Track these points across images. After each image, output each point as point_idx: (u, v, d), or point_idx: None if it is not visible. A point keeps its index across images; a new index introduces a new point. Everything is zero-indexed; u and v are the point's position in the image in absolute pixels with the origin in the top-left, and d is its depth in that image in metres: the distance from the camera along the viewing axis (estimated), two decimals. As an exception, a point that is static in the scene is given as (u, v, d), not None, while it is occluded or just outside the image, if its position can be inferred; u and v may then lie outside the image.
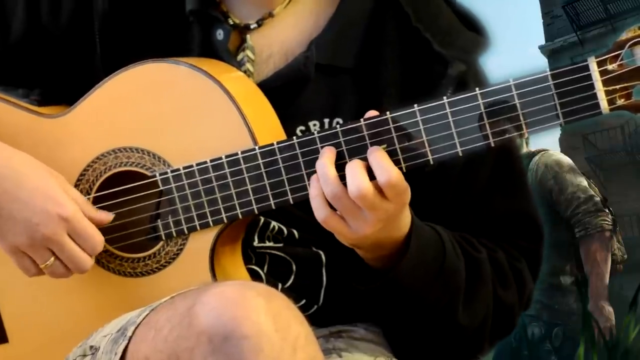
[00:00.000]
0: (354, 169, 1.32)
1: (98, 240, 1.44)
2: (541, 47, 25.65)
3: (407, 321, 1.47)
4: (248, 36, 1.53)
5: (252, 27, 1.53)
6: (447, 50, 1.49)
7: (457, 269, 1.44)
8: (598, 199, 4.53)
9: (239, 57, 1.52)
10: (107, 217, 1.46)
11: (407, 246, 1.39)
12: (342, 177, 1.32)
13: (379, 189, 1.31)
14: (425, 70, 1.49)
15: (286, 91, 1.49)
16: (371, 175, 1.32)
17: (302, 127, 1.49)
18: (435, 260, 1.42)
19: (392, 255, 1.41)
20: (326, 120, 1.50)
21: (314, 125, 1.49)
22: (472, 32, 1.54)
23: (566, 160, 4.69)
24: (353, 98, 1.50)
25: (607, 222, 4.51)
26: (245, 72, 1.51)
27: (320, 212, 1.34)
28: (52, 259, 1.42)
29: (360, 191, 1.30)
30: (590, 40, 23.15)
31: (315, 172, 1.35)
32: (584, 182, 4.55)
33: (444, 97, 1.32)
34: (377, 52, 1.51)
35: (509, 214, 1.55)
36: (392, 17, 1.52)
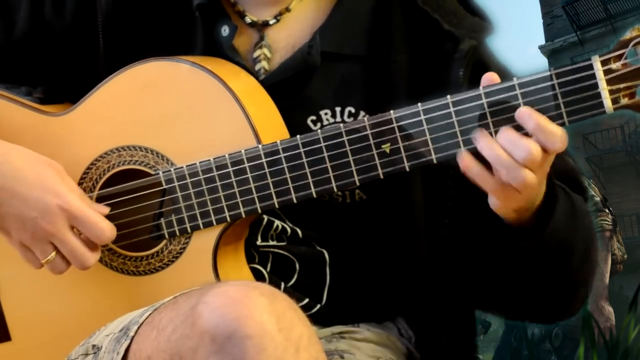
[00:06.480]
0: (516, 138, 1.28)
1: (104, 227, 1.42)
2: (541, 47, 25.63)
3: (541, 275, 1.44)
4: (266, 33, 1.53)
5: (271, 22, 1.53)
6: (456, 29, 1.48)
7: (586, 211, 1.45)
8: (598, 199, 4.53)
9: (256, 54, 1.52)
10: (103, 209, 1.44)
11: (552, 196, 1.38)
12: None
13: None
14: (436, 50, 1.48)
15: (294, 82, 1.49)
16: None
17: (314, 117, 1.49)
18: (571, 206, 1.42)
19: (534, 213, 1.38)
20: (337, 109, 1.49)
21: (325, 114, 1.49)
22: (477, 17, 1.54)
23: (566, 160, 4.67)
24: (364, 85, 1.50)
25: (607, 222, 4.51)
26: (259, 69, 1.51)
27: (514, 175, 1.28)
28: (54, 253, 1.41)
29: (533, 155, 1.27)
30: (590, 40, 23.14)
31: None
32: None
33: (448, 96, 1.31)
34: (386, 38, 1.50)
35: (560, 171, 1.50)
36: (398, 2, 1.52)
